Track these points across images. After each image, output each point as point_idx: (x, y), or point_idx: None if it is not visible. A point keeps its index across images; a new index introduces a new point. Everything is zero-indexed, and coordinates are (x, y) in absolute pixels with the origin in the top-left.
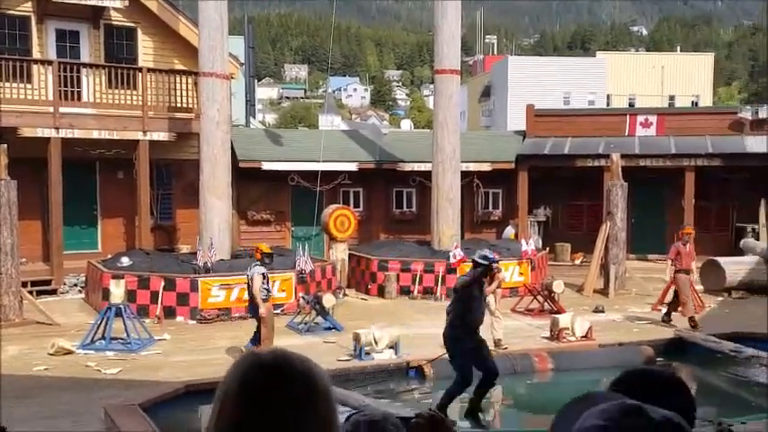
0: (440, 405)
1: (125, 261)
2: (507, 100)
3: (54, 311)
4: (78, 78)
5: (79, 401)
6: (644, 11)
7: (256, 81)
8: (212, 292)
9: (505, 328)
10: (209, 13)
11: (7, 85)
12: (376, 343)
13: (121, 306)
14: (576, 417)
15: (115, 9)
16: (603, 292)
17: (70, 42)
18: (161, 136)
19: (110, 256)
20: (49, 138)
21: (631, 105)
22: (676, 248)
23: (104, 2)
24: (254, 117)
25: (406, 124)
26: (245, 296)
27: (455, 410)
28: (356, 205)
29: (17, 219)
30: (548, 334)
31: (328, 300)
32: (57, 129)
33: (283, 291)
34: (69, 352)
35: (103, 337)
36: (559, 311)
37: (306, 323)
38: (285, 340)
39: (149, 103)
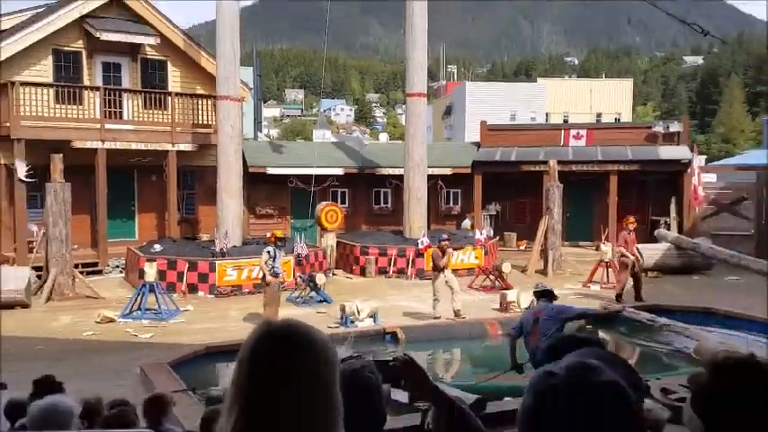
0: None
1: (157, 247)
2: (465, 117)
3: (99, 288)
4: (120, 101)
5: (120, 360)
6: (576, 44)
7: (262, 103)
8: (227, 272)
9: (463, 301)
10: (224, 48)
11: (63, 106)
12: (359, 313)
13: (154, 283)
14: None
15: (150, 46)
16: (543, 272)
17: (113, 72)
18: (186, 147)
19: (144, 244)
20: (96, 149)
21: (565, 121)
22: (623, 237)
23: (141, 40)
24: (261, 131)
25: (383, 137)
26: (254, 274)
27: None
28: (343, 202)
29: (70, 214)
30: (498, 306)
31: (320, 278)
32: (102, 141)
33: (284, 271)
34: (112, 320)
35: (139, 309)
36: (507, 288)
37: (302, 297)
38: (285, 311)
39: (177, 121)
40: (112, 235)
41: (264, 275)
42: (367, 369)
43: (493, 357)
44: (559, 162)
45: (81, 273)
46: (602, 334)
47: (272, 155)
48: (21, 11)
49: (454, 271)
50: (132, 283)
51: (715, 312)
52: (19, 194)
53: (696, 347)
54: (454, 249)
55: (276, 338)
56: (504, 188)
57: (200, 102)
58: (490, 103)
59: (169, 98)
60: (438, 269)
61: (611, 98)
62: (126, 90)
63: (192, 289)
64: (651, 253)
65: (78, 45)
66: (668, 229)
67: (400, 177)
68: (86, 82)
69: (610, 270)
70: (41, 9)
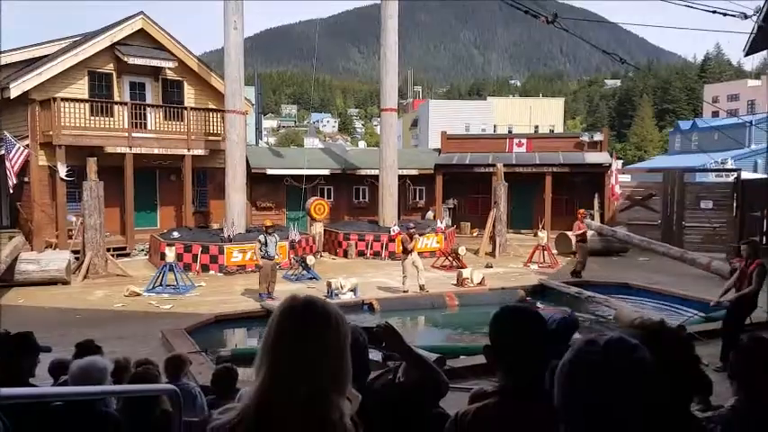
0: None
1: (175, 234)
2: (428, 128)
3: (128, 268)
4: (144, 114)
5: (144, 327)
6: (518, 70)
7: (263, 115)
8: (233, 254)
9: (427, 278)
10: (231, 70)
11: (97, 118)
12: (342, 288)
13: (173, 264)
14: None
15: (169, 69)
16: (492, 254)
17: (139, 90)
18: (199, 152)
19: (165, 231)
20: (125, 153)
21: (510, 132)
22: (578, 225)
23: (162, 64)
24: (261, 139)
25: (362, 144)
26: (255, 257)
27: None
28: (329, 197)
29: (103, 207)
30: (455, 282)
31: (310, 259)
32: (130, 147)
33: (280, 254)
34: (138, 294)
35: (161, 285)
36: (463, 267)
37: (295, 275)
38: (281, 286)
39: (192, 130)
40: (138, 224)
41: (258, 258)
42: (357, 330)
43: (450, 323)
44: (505, 165)
45: (112, 255)
46: (539, 304)
47: (271, 159)
48: (62, 38)
49: (419, 253)
50: (155, 263)
51: (630, 286)
52: (60, 191)
53: (615, 315)
54: (420, 236)
55: (299, 309)
56: (460, 186)
57: (211, 115)
58: (449, 117)
59: (185, 112)
60: (406, 252)
61: (546, 113)
62: (149, 105)
63: (205, 268)
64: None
65: (109, 68)
66: (592, 219)
67: (376, 177)
68: (116, 98)
69: (545, 252)
70: (79, 38)
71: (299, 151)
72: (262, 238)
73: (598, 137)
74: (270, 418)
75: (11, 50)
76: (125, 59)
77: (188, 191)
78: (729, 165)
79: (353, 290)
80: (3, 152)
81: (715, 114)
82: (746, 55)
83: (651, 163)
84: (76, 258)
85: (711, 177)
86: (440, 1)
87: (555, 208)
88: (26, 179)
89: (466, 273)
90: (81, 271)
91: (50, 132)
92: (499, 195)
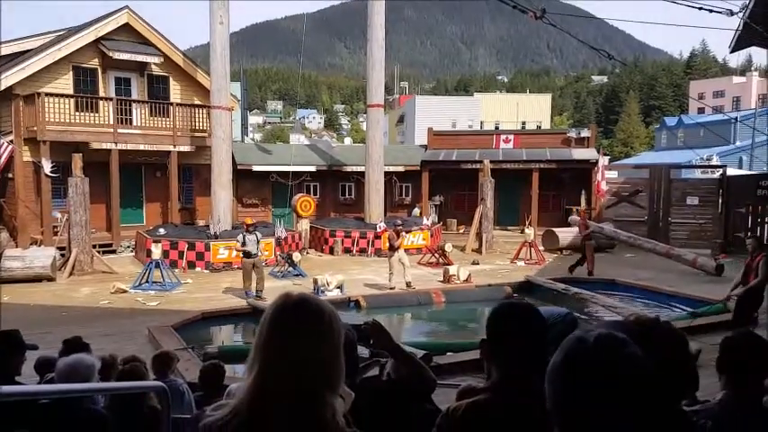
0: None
1: (161, 231)
2: (414, 124)
3: (114, 264)
4: (130, 110)
5: (131, 324)
6: (505, 65)
7: (248, 111)
8: (219, 251)
9: (413, 275)
10: (217, 66)
11: (82, 113)
12: (328, 284)
13: (159, 260)
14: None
15: (154, 64)
16: (478, 251)
17: (124, 86)
18: (185, 148)
19: (151, 228)
20: (110, 149)
21: (497, 128)
22: (582, 225)
23: (147, 59)
24: (247, 135)
25: (348, 140)
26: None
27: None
28: (314, 194)
29: (89, 203)
30: (441, 279)
31: (296, 256)
32: (115, 143)
33: (266, 251)
34: (124, 291)
35: (147, 281)
36: (449, 264)
37: (281, 272)
38: (267, 283)
39: (177, 126)
40: (124, 220)
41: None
42: (345, 327)
43: (436, 320)
44: (492, 161)
45: (98, 252)
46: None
47: (257, 155)
48: (46, 33)
49: (406, 250)
50: (141, 260)
51: (617, 283)
52: (45, 187)
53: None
54: (406, 232)
55: (292, 306)
56: (446, 182)
57: (197, 111)
58: (435, 113)
59: (171, 107)
60: (393, 249)
61: (533, 109)
62: (135, 101)
63: (191, 265)
64: (565, 235)
65: (94, 63)
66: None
67: (361, 173)
68: (101, 93)
69: (532, 249)
70: (63, 32)
71: (285, 147)
72: (240, 237)
73: (585, 133)
74: (262, 415)
75: None
76: (110, 54)
77: (174, 187)
78: (715, 161)
79: (340, 287)
80: None
81: (701, 111)
82: (732, 52)
83: (637, 159)
84: (62, 255)
85: (697, 174)
86: None
87: (542, 204)
88: (10, 175)
89: (452, 269)
90: (66, 268)
91: (35, 128)
92: (486, 192)
